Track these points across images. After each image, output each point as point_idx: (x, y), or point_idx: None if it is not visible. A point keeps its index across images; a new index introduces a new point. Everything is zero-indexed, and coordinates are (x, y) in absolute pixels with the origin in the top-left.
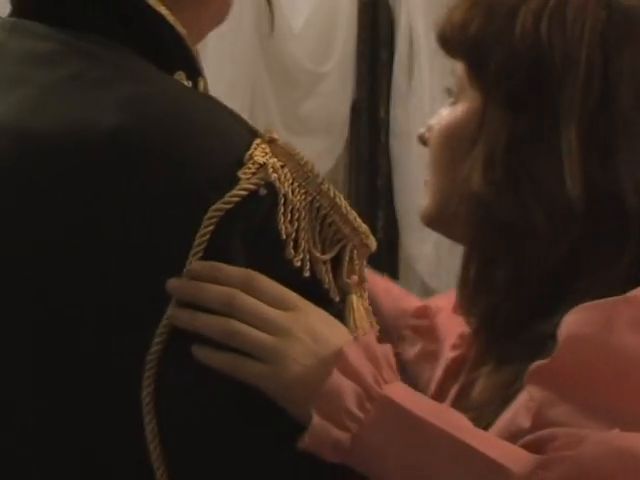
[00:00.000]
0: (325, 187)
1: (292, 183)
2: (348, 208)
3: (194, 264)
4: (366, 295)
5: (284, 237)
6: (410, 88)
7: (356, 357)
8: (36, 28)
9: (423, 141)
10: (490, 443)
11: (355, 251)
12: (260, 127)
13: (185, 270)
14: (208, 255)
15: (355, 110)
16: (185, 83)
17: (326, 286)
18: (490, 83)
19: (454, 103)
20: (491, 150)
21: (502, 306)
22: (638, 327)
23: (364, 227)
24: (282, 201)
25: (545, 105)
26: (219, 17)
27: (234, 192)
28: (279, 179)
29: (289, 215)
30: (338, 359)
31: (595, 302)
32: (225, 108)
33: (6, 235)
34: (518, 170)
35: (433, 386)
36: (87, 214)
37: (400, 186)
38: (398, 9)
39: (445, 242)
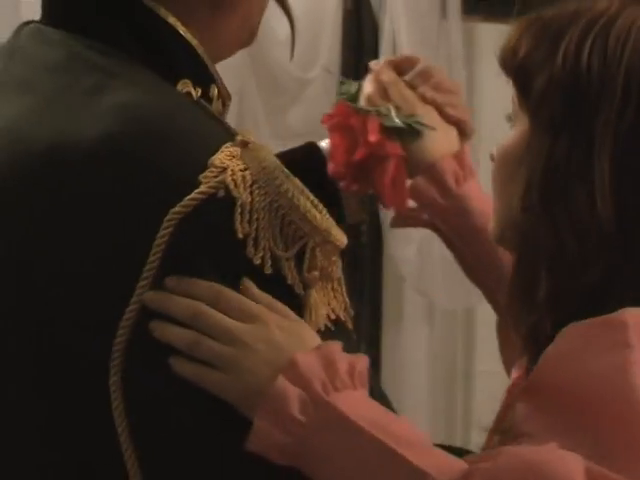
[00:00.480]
0: (284, 188)
1: (252, 185)
2: (308, 207)
3: (169, 279)
4: (342, 290)
5: (241, 237)
6: None
7: (307, 365)
8: (54, 35)
9: (493, 160)
10: (424, 454)
11: (318, 248)
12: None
13: (146, 274)
14: (167, 256)
15: None
16: (192, 91)
17: (290, 282)
18: (533, 107)
19: (513, 126)
20: (530, 175)
21: (544, 324)
22: (614, 349)
23: (325, 225)
24: (239, 202)
25: (581, 129)
26: (246, 29)
27: (192, 195)
28: (235, 182)
29: (247, 216)
30: (289, 367)
31: (581, 322)
32: (209, 115)
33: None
34: (552, 194)
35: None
36: (69, 216)
37: None
38: (382, 16)
39: (427, 245)
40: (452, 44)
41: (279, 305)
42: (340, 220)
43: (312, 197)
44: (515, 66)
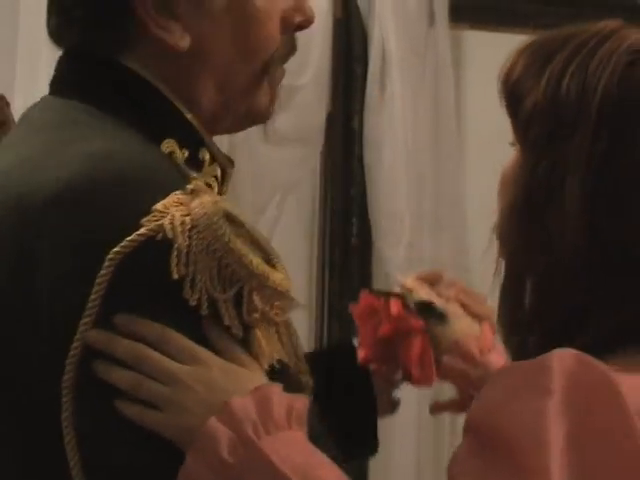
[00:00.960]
0: (220, 233)
1: (191, 229)
2: (244, 252)
3: (118, 317)
4: (289, 333)
5: (177, 278)
6: (382, 100)
7: (241, 407)
8: (53, 102)
9: None
10: None
11: (255, 292)
12: (239, 138)
13: (88, 312)
14: (108, 294)
15: (330, 121)
16: (177, 151)
17: (227, 323)
18: (521, 131)
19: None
20: (514, 196)
21: (530, 341)
22: (536, 394)
23: (262, 270)
24: (175, 245)
25: (558, 153)
26: (230, 102)
27: (132, 237)
28: (173, 226)
29: (184, 258)
30: (223, 408)
31: (514, 363)
32: (174, 167)
33: None
34: (531, 215)
35: None
36: (30, 255)
37: (373, 194)
38: (371, 25)
39: (415, 247)
40: (440, 51)
41: (235, 348)
42: (372, 411)
43: (268, 247)
44: (507, 90)
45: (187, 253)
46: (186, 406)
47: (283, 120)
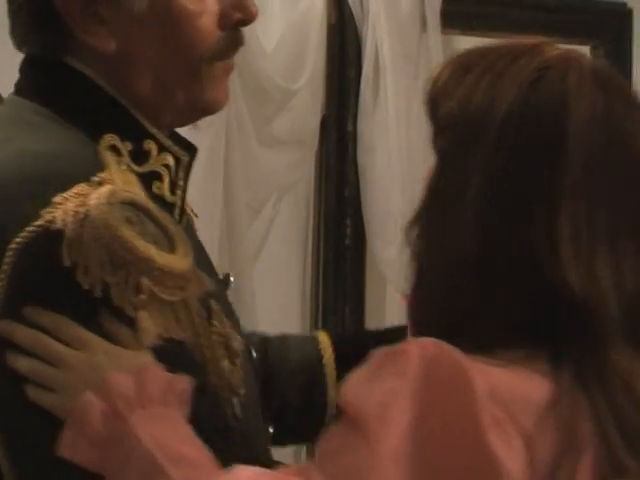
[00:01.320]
0: (109, 222)
1: (84, 219)
2: (130, 239)
3: (25, 309)
4: (191, 309)
5: (69, 265)
6: (376, 104)
7: (117, 383)
8: (12, 101)
9: None
10: (194, 473)
11: (144, 275)
12: (235, 140)
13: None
14: (10, 283)
15: (324, 124)
16: (119, 144)
17: (118, 304)
18: (433, 138)
19: None
20: (420, 203)
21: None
22: (391, 376)
23: (149, 254)
24: (67, 235)
25: (460, 164)
26: (171, 97)
27: (30, 227)
28: (65, 216)
29: (76, 246)
30: (101, 385)
31: (379, 350)
32: (92, 163)
33: None
34: (431, 225)
35: None
36: None
37: (366, 195)
38: (365, 30)
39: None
40: (432, 55)
41: (123, 332)
42: None
43: (173, 231)
44: (429, 99)
45: (79, 241)
46: (72, 386)
47: (279, 123)
